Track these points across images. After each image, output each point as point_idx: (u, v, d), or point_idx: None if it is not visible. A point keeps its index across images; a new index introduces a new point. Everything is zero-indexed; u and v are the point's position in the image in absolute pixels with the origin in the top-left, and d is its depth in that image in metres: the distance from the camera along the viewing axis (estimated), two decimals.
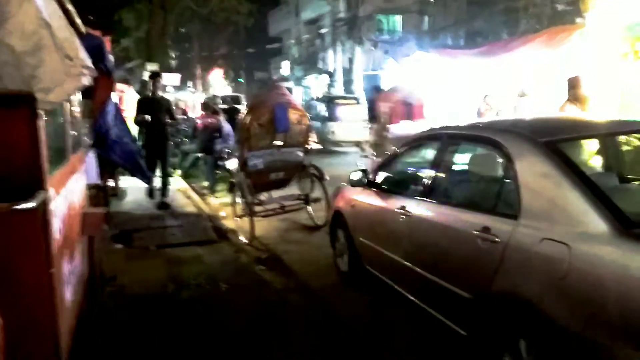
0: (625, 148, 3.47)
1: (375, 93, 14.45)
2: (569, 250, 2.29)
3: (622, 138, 3.47)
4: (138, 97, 12.62)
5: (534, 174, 2.70)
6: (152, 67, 15.34)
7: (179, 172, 11.46)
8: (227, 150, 8.63)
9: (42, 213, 2.31)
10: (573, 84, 5.91)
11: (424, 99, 13.35)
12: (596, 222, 2.27)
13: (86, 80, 2.49)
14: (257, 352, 3.49)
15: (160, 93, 8.24)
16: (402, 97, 13.76)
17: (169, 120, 8.18)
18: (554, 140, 2.79)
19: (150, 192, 8.51)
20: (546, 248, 2.41)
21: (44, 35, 2.24)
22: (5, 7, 2.15)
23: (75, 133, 3.99)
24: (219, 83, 38.40)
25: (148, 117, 7.73)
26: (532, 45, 11.28)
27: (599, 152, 3.39)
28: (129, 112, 8.59)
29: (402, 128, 11.75)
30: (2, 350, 1.89)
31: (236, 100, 23.32)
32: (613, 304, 2.06)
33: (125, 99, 10.70)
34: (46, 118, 2.43)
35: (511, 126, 3.44)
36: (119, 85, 9.00)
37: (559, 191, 2.51)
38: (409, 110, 13.46)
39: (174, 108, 8.94)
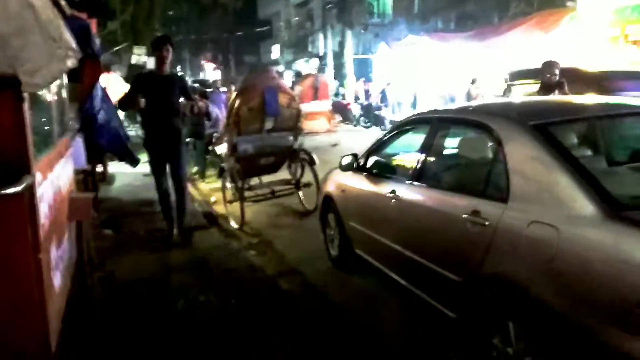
0: (614, 131, 3.48)
1: (296, 77, 18.68)
2: (558, 232, 2.30)
3: (612, 121, 3.48)
4: (122, 82, 12.47)
5: (523, 157, 2.70)
6: (139, 50, 15.15)
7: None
8: (216, 134, 8.58)
9: (28, 198, 2.28)
10: (540, 70, 5.72)
11: (327, 81, 17.99)
12: (585, 205, 2.28)
13: (71, 63, 2.45)
14: (248, 337, 3.50)
15: (168, 68, 5.62)
16: (312, 81, 18.16)
17: (185, 105, 5.66)
18: (543, 124, 2.79)
19: (167, 240, 5.65)
20: (535, 231, 2.42)
21: (28, 17, 2.19)
22: None
23: (62, 117, 3.94)
24: (208, 67, 38.06)
25: (142, 102, 5.24)
26: (522, 29, 11.32)
27: (588, 135, 3.40)
28: (114, 97, 8.31)
29: (309, 106, 15.68)
30: None
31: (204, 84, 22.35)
32: (601, 286, 2.08)
33: (110, 83, 10.57)
34: (31, 101, 2.39)
35: (500, 109, 3.44)
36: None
37: (548, 174, 2.52)
38: (315, 92, 17.77)
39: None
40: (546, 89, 5.72)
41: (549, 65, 5.87)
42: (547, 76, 5.77)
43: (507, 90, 7.81)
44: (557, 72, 5.76)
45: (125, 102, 5.64)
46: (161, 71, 5.54)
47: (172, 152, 5.57)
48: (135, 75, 6.06)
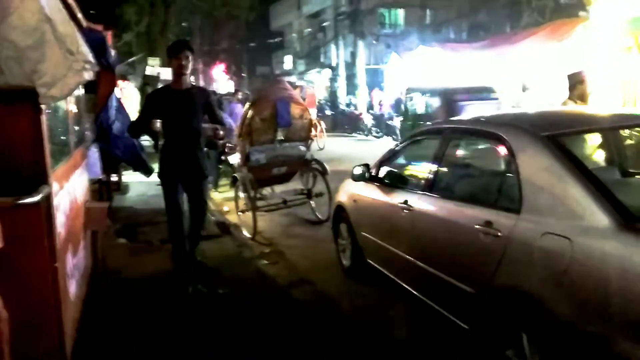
0: (627, 142, 3.47)
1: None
2: (571, 244, 2.29)
3: (625, 132, 3.47)
4: (137, 92, 12.62)
5: (535, 168, 2.69)
6: (153, 61, 15.31)
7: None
8: (229, 144, 8.63)
9: (45, 207, 2.33)
10: (578, 80, 5.64)
11: (314, 93, 18.46)
12: (598, 216, 2.26)
13: (88, 75, 2.50)
14: (260, 346, 3.50)
15: (191, 80, 4.80)
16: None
17: (207, 128, 4.61)
18: (556, 134, 2.78)
19: (185, 281, 4.55)
20: (548, 242, 2.41)
21: (46, 30, 2.25)
22: (7, 3, 2.16)
23: (78, 128, 4.00)
24: (221, 77, 38.35)
25: (158, 124, 4.25)
26: (535, 38, 11.28)
27: (601, 146, 3.38)
28: (128, 108, 8.39)
29: None
30: (8, 342, 1.91)
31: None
32: (614, 298, 2.06)
33: (124, 94, 10.71)
34: (49, 112, 2.44)
35: (513, 120, 3.44)
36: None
37: (561, 185, 2.51)
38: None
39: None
40: (581, 98, 5.63)
41: (579, 76, 5.76)
42: (580, 87, 5.66)
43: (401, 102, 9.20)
44: (588, 82, 5.67)
45: (137, 127, 4.59)
46: (179, 84, 4.45)
47: (192, 187, 4.60)
48: (148, 94, 4.87)
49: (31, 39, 2.19)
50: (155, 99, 4.53)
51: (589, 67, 6.24)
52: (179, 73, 4.42)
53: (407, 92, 11.48)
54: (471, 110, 9.36)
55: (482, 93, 10.72)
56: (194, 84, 4.63)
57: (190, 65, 4.40)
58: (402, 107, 14.27)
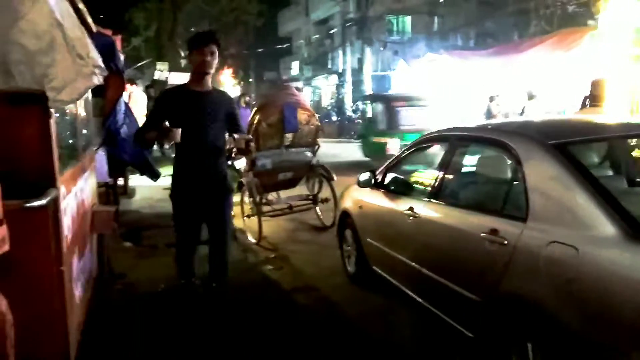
0: (635, 151, 3.45)
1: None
2: (577, 253, 2.28)
3: (632, 141, 3.45)
4: (145, 96, 12.70)
5: (542, 176, 2.69)
6: (162, 66, 15.39)
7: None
8: (235, 149, 8.65)
9: (52, 211, 2.34)
10: (600, 86, 5.60)
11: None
12: (605, 226, 2.26)
13: (97, 80, 2.52)
14: (264, 352, 3.50)
15: (210, 82, 3.74)
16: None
17: (239, 140, 3.66)
18: (563, 143, 2.77)
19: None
20: (554, 251, 2.40)
21: (56, 35, 2.27)
22: (18, 7, 2.18)
23: (86, 132, 4.03)
24: (228, 82, 38.51)
25: (178, 134, 3.44)
26: (543, 47, 11.26)
27: (608, 155, 3.37)
28: (137, 112, 8.40)
29: None
30: (13, 345, 1.91)
31: None
32: (621, 308, 2.05)
33: (132, 98, 10.77)
34: (57, 116, 2.45)
35: (519, 128, 3.43)
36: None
37: (568, 194, 2.50)
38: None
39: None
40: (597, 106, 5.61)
41: (601, 83, 5.73)
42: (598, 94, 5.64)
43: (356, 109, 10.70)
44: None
45: (144, 134, 3.66)
46: (199, 85, 3.64)
47: (213, 209, 3.78)
48: (160, 94, 3.95)
49: (41, 43, 2.21)
50: (169, 100, 3.67)
51: (597, 76, 6.22)
52: (201, 71, 3.60)
53: (363, 98, 15.38)
54: (404, 114, 12.84)
55: (414, 100, 13.53)
56: (214, 86, 3.81)
57: (215, 63, 3.59)
58: (359, 111, 17.83)
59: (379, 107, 13.99)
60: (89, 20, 3.64)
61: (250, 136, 4.11)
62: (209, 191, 3.72)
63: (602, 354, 2.12)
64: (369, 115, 14.86)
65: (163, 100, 3.73)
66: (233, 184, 3.93)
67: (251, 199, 6.68)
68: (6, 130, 2.29)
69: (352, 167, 10.50)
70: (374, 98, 15.71)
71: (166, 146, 3.80)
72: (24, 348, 2.27)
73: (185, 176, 3.70)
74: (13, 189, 2.21)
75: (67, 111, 3.37)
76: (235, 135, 3.66)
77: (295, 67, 40.75)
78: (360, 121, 17.88)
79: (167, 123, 3.58)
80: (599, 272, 2.19)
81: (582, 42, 9.95)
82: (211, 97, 3.69)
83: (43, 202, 2.22)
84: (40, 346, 2.38)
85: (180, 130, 3.42)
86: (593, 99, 5.49)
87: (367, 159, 14.07)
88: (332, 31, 34.79)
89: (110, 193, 6.31)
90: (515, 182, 2.86)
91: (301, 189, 7.34)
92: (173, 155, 4.05)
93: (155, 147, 5.45)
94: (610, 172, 3.20)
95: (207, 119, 3.62)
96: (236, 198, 8.01)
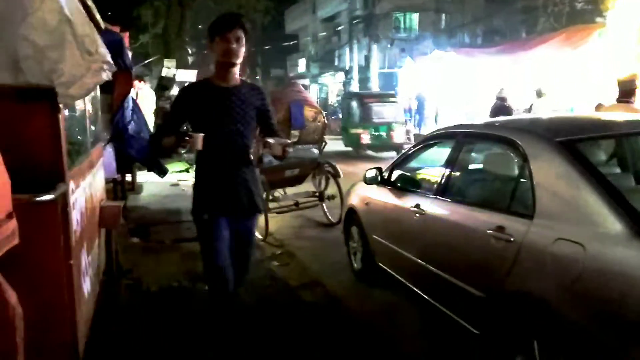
0: None
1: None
2: (584, 250, 2.27)
3: None
4: (153, 93, 12.72)
5: (549, 173, 2.68)
6: (169, 63, 15.41)
7: (194, 168, 11.54)
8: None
9: (61, 205, 2.36)
10: (628, 82, 5.56)
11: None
12: (612, 223, 2.25)
13: (106, 76, 2.53)
14: (271, 347, 3.52)
15: (237, 74, 3.12)
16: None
17: (275, 145, 3.05)
18: (570, 140, 2.77)
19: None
20: (561, 248, 2.40)
21: (66, 31, 2.28)
22: (28, 3, 2.20)
23: (95, 128, 4.05)
24: None
25: (199, 141, 2.85)
26: (550, 44, 11.22)
27: (616, 153, 3.35)
28: (144, 109, 8.42)
29: None
30: (22, 338, 1.93)
31: None
32: (628, 306, 2.05)
33: (140, 95, 10.81)
34: (66, 112, 2.47)
35: (527, 125, 3.42)
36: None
37: (575, 191, 2.50)
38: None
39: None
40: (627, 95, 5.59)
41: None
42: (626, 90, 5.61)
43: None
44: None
45: (161, 140, 3.02)
46: (224, 79, 3.05)
47: (240, 225, 3.18)
48: (180, 91, 3.30)
49: (51, 39, 2.23)
50: (189, 98, 3.07)
51: (605, 73, 6.19)
52: (226, 62, 2.98)
53: (343, 97, 18.48)
54: (376, 109, 15.41)
55: (384, 97, 16.46)
56: (243, 79, 3.19)
57: (242, 51, 2.99)
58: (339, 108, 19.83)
59: (355, 103, 16.10)
60: (98, 16, 3.66)
61: (288, 140, 3.43)
62: (237, 202, 3.09)
63: (608, 352, 2.11)
64: (348, 111, 16.80)
65: (183, 98, 3.11)
66: (263, 200, 3.32)
67: None
68: (16, 125, 2.31)
69: (335, 156, 11.24)
70: (351, 96, 18.22)
71: (186, 153, 3.06)
72: (33, 341, 2.30)
73: (210, 186, 3.07)
74: (22, 183, 2.24)
75: (76, 107, 3.39)
76: (270, 140, 3.03)
77: (302, 65, 40.72)
78: (341, 117, 19.78)
79: (187, 126, 3.11)
80: (606, 270, 2.18)
81: (589, 40, 9.91)
82: (239, 92, 3.06)
83: (52, 196, 2.23)
84: (49, 339, 2.40)
85: (201, 135, 2.81)
86: (621, 95, 5.47)
87: (348, 148, 16.22)
88: (339, 28, 34.76)
89: (118, 189, 6.34)
90: (522, 179, 2.86)
91: (308, 186, 7.35)
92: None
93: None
94: (618, 170, 3.19)
95: (236, 119, 3.02)
96: None
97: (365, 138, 15.01)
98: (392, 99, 16.22)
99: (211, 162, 3.06)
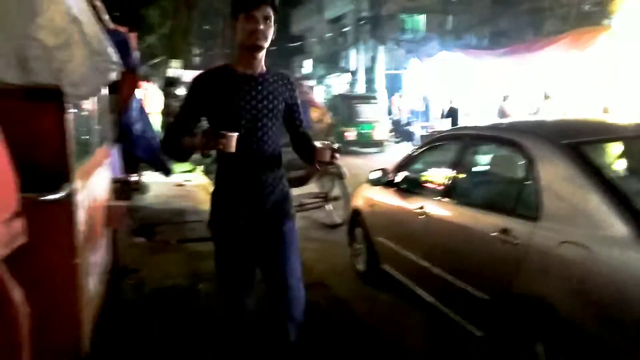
0: None
1: None
2: (589, 253, 2.27)
3: None
4: (160, 93, 12.78)
5: (555, 176, 2.68)
6: (176, 63, 15.46)
7: (200, 168, 11.57)
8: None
9: (68, 204, 2.37)
10: None
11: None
12: (617, 226, 2.25)
13: (113, 76, 2.55)
14: (273, 348, 3.51)
15: (262, 59, 2.53)
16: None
17: (322, 150, 2.56)
18: (577, 143, 2.76)
19: None
20: (566, 251, 2.40)
21: (74, 31, 2.30)
22: (36, 3, 2.21)
23: (101, 128, 4.07)
24: None
25: (232, 142, 2.28)
26: (558, 46, 11.18)
27: (622, 155, 3.34)
28: (150, 109, 8.44)
29: None
30: (28, 336, 1.94)
31: None
32: (633, 308, 2.05)
33: (147, 95, 10.86)
34: (74, 112, 2.48)
35: (533, 128, 3.42)
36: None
37: (581, 194, 2.49)
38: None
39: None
40: None
41: None
42: None
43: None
44: None
45: (177, 141, 2.49)
46: (249, 65, 2.52)
47: (270, 245, 2.61)
48: (194, 80, 2.60)
49: (59, 39, 2.25)
50: (206, 87, 2.49)
51: (612, 75, 6.17)
52: (252, 45, 2.43)
53: (332, 98, 20.31)
54: (359, 109, 17.54)
55: (367, 99, 19.16)
56: (271, 69, 2.60)
57: (270, 33, 2.45)
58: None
59: (343, 104, 18.07)
60: (106, 17, 3.68)
61: (337, 144, 2.94)
62: (264, 220, 2.56)
63: (612, 354, 2.11)
64: (334, 111, 17.86)
65: (198, 88, 2.50)
66: (294, 207, 2.82)
67: None
68: (23, 124, 2.32)
69: None
70: (340, 97, 20.07)
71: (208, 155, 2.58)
72: (38, 339, 2.31)
73: (230, 198, 2.54)
74: (29, 182, 2.25)
75: (83, 107, 3.41)
76: (317, 144, 2.59)
77: (308, 65, 40.72)
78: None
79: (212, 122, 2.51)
80: (611, 272, 2.18)
81: (597, 42, 9.87)
82: (267, 82, 2.52)
83: (58, 195, 2.25)
84: (54, 337, 2.41)
85: (236, 135, 2.28)
86: None
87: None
88: (345, 29, 34.73)
89: (124, 189, 6.36)
90: (527, 182, 2.86)
91: (312, 187, 7.36)
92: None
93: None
94: (624, 173, 3.18)
95: (264, 114, 2.51)
96: None
97: (350, 135, 16.83)
98: (373, 100, 18.86)
99: (235, 166, 2.50)
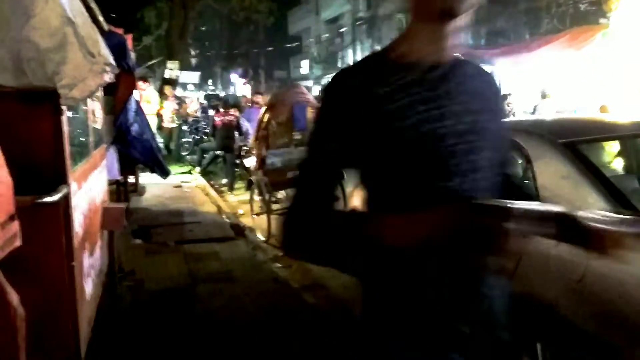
0: None
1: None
2: (587, 252, 2.26)
3: None
4: (157, 95, 12.74)
5: (552, 175, 2.67)
6: (172, 65, 15.45)
7: (197, 169, 11.57)
8: (245, 147, 8.71)
9: (64, 207, 2.36)
10: None
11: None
12: None
13: (108, 78, 2.54)
14: (272, 350, 3.51)
15: (452, 42, 1.17)
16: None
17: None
18: (574, 142, 2.76)
19: None
20: (563, 250, 2.39)
21: (68, 33, 2.29)
22: (30, 5, 2.20)
23: (98, 129, 4.06)
24: (238, 81, 38.66)
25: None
26: (554, 45, 11.19)
27: (619, 154, 3.35)
28: (148, 110, 8.42)
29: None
30: (24, 340, 1.93)
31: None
32: (631, 307, 2.04)
33: (144, 96, 10.84)
34: (69, 114, 2.47)
35: (530, 126, 3.41)
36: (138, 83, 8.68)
37: (578, 193, 2.49)
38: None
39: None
40: None
41: None
42: None
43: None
44: None
45: (320, 216, 1.20)
46: (434, 49, 1.17)
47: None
48: (331, 86, 1.16)
49: (53, 41, 2.23)
50: (362, 99, 1.12)
51: (609, 74, 6.18)
52: (444, 10, 1.15)
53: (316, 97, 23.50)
54: None
55: None
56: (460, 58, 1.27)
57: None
58: None
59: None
60: (101, 18, 3.67)
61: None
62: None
63: (611, 354, 2.10)
64: None
65: (345, 102, 1.15)
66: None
67: (260, 197, 6.70)
68: (18, 127, 2.32)
69: None
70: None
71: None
72: (35, 342, 2.30)
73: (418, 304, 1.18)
74: (25, 185, 2.24)
75: (79, 109, 3.39)
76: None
77: (305, 66, 40.70)
78: None
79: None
80: (608, 272, 2.17)
81: (593, 41, 9.88)
82: (460, 77, 1.21)
83: (54, 198, 2.24)
84: (50, 341, 2.40)
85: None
86: None
87: None
88: (342, 30, 34.75)
89: (121, 191, 6.35)
90: (524, 181, 2.85)
91: None
92: None
93: (162, 144, 3.49)
94: (621, 172, 3.18)
95: (473, 139, 1.20)
96: (245, 196, 8.06)
97: None
98: None
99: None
